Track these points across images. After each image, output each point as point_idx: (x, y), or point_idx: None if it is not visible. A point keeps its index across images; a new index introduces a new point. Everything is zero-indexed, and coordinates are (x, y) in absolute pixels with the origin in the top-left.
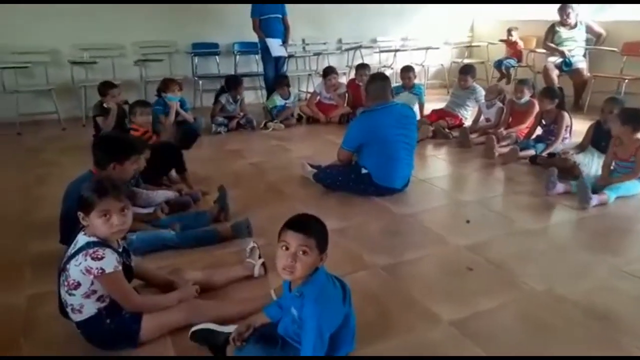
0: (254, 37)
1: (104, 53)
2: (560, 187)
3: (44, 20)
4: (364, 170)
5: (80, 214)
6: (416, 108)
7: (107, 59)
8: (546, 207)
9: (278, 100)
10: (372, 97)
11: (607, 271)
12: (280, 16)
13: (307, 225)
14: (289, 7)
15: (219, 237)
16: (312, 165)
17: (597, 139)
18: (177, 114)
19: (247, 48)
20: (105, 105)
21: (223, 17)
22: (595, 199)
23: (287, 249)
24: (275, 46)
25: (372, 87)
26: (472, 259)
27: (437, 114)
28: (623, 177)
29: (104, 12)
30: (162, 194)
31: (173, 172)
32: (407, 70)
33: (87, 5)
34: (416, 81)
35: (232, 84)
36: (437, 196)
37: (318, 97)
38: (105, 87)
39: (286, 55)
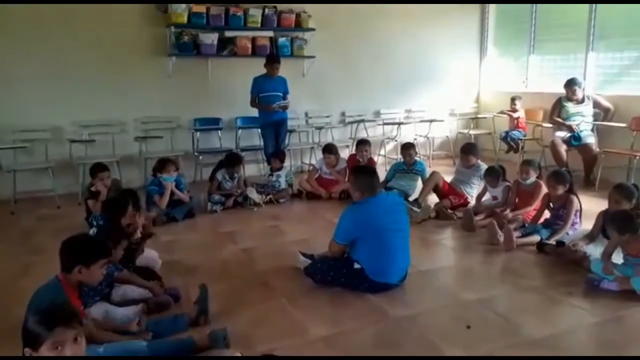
0: (256, 111)
1: (105, 129)
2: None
3: (46, 98)
4: (356, 265)
5: (27, 351)
6: (419, 184)
7: (107, 135)
8: (554, 309)
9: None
10: (360, 191)
11: None
12: (281, 94)
13: None
14: (292, 82)
15: (194, 348)
16: (305, 255)
17: (605, 228)
18: (172, 193)
19: (249, 123)
20: (93, 188)
21: (225, 93)
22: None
23: None
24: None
25: (358, 181)
26: None
27: (449, 186)
28: None
29: (106, 89)
30: (137, 292)
31: None
32: (407, 148)
33: (89, 82)
34: (417, 158)
35: (230, 161)
36: (437, 294)
37: (318, 173)
38: (95, 170)
39: (286, 105)
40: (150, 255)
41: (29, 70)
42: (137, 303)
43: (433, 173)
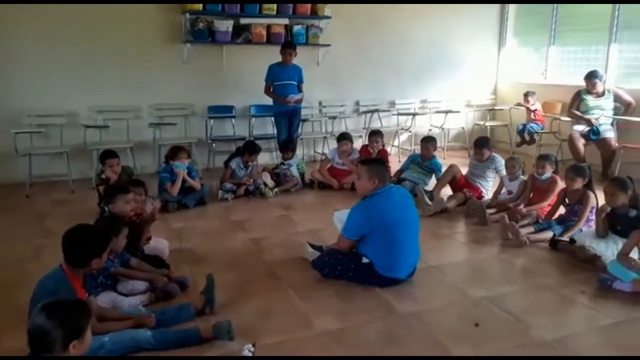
0: (270, 100)
1: (120, 115)
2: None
3: (62, 83)
4: (364, 260)
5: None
6: (432, 181)
7: (122, 121)
8: (566, 309)
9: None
10: (370, 181)
11: None
12: (295, 83)
13: None
14: (307, 71)
15: (199, 338)
16: (313, 246)
17: (613, 224)
18: (184, 181)
19: (262, 111)
20: (103, 176)
21: (240, 80)
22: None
23: None
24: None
25: (371, 170)
26: None
27: (465, 179)
28: None
29: (121, 75)
30: (145, 284)
31: None
32: (426, 141)
33: (105, 68)
34: (435, 154)
35: (247, 150)
36: (446, 290)
37: (330, 163)
38: (104, 157)
39: (301, 98)
40: (158, 243)
41: (46, 56)
42: (145, 293)
43: (451, 166)
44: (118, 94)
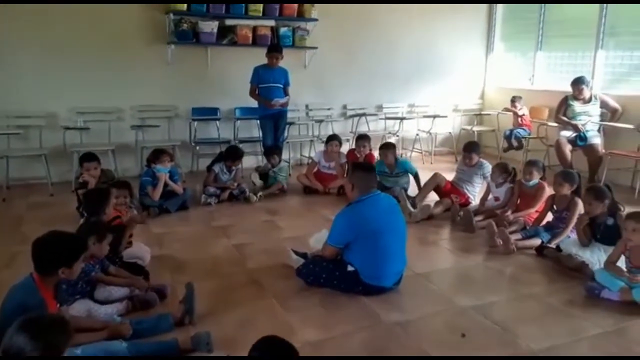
0: (255, 102)
1: (102, 117)
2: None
3: (41, 84)
4: (350, 268)
5: None
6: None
7: (103, 123)
8: (554, 319)
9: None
10: (357, 188)
11: None
12: (281, 85)
13: None
14: (294, 73)
15: (177, 350)
16: (297, 253)
17: (593, 232)
18: (166, 185)
19: (248, 114)
20: (81, 179)
21: (224, 82)
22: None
23: None
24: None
25: (355, 177)
26: None
27: (451, 185)
28: None
29: (103, 76)
30: (122, 291)
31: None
32: (384, 148)
33: (86, 68)
34: (399, 157)
35: (230, 156)
36: (433, 298)
37: (316, 167)
38: (82, 160)
39: (286, 102)
40: (139, 249)
41: (25, 56)
42: (122, 301)
43: (435, 175)
44: (100, 96)
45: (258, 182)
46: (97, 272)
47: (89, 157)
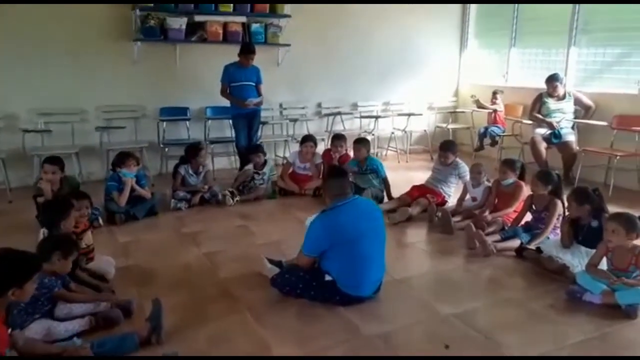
0: (227, 101)
1: (64, 118)
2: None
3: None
4: (327, 277)
5: None
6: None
7: (66, 125)
8: (536, 325)
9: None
10: (331, 194)
11: None
12: (253, 84)
13: None
14: (267, 71)
15: None
16: (272, 262)
17: (576, 234)
18: (133, 190)
19: (219, 113)
20: (39, 185)
21: (194, 81)
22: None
23: None
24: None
25: (329, 183)
26: None
27: (419, 190)
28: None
29: (65, 74)
30: (84, 307)
31: None
32: (357, 142)
33: (47, 67)
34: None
35: (190, 155)
36: (413, 307)
37: (291, 168)
38: (42, 164)
39: (260, 101)
40: (102, 262)
41: None
42: (83, 317)
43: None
44: (62, 96)
45: (230, 201)
46: (59, 289)
47: (50, 160)
